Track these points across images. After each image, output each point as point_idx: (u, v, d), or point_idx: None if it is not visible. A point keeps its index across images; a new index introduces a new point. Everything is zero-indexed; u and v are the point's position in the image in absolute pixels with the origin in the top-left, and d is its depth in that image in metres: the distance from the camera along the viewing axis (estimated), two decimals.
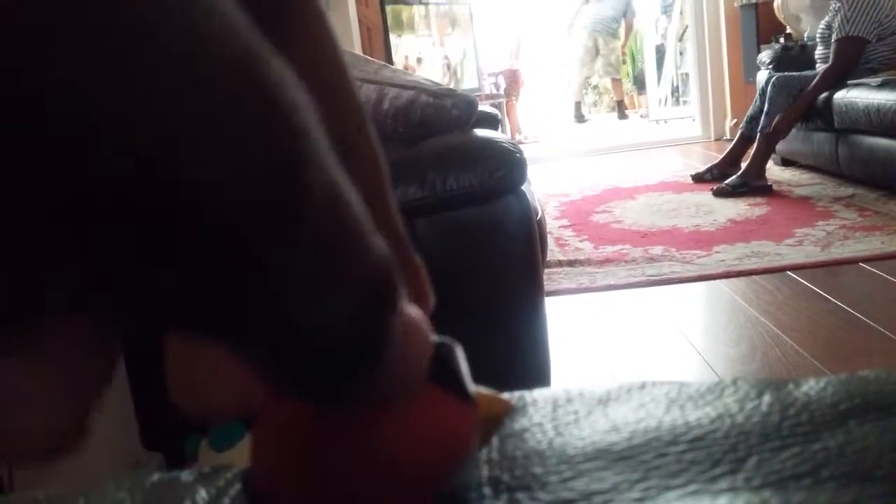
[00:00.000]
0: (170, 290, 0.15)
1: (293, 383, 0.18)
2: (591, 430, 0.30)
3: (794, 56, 4.45)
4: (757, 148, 3.90)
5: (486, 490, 0.27)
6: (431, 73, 4.59)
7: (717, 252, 2.80)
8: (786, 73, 4.06)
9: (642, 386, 0.34)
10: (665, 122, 7.69)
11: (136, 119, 0.13)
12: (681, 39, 7.47)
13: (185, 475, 0.32)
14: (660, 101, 8.06)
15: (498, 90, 6.55)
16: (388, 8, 4.45)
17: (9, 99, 0.12)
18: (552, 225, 3.53)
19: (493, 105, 4.48)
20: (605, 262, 2.85)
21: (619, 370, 1.90)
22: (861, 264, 2.49)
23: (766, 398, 0.31)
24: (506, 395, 0.33)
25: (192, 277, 0.15)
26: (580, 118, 9.17)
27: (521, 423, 0.32)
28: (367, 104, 1.39)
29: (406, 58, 4.54)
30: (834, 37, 3.85)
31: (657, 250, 2.92)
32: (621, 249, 2.99)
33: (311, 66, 0.22)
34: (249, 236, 0.15)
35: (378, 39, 4.64)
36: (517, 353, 1.34)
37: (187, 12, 0.14)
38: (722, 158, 4.24)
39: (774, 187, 3.80)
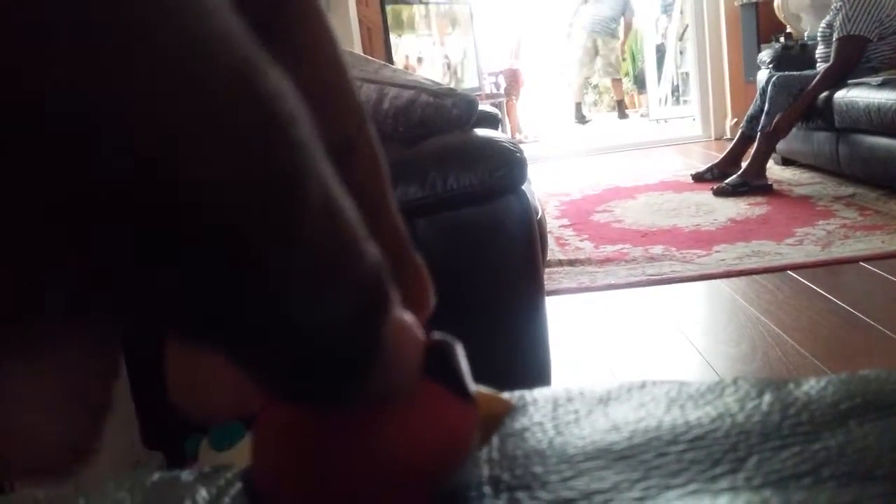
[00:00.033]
0: (170, 290, 0.15)
1: (292, 385, 0.18)
2: (592, 430, 0.30)
3: (794, 55, 4.45)
4: (757, 147, 3.90)
5: (487, 489, 0.27)
6: (432, 72, 4.59)
7: (717, 251, 2.80)
8: (786, 73, 4.06)
9: (643, 385, 0.34)
10: (665, 121, 7.69)
11: (135, 119, 0.13)
12: (681, 39, 7.47)
13: (186, 475, 0.32)
14: (660, 100, 8.06)
15: (498, 90, 6.55)
16: (389, 7, 4.44)
17: (9, 99, 0.12)
18: (552, 224, 3.53)
19: (493, 104, 4.48)
20: (606, 261, 2.85)
21: (620, 369, 1.90)
22: (861, 263, 2.49)
23: (767, 398, 0.31)
24: (506, 395, 0.33)
25: (193, 277, 0.15)
26: (581, 119, 9.15)
27: (521, 422, 0.32)
28: (368, 104, 1.39)
29: (406, 57, 4.53)
30: (835, 36, 3.85)
31: (657, 250, 2.92)
32: (622, 249, 2.99)
33: (310, 65, 0.22)
34: (249, 236, 0.15)
35: (378, 39, 4.64)
36: (517, 353, 1.34)
37: (184, 14, 0.14)
38: (722, 158, 4.24)
39: (775, 187, 3.80)
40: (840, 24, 3.83)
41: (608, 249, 3.01)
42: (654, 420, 0.30)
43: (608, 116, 9.66)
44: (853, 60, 3.78)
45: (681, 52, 7.56)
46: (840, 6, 3.86)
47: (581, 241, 3.20)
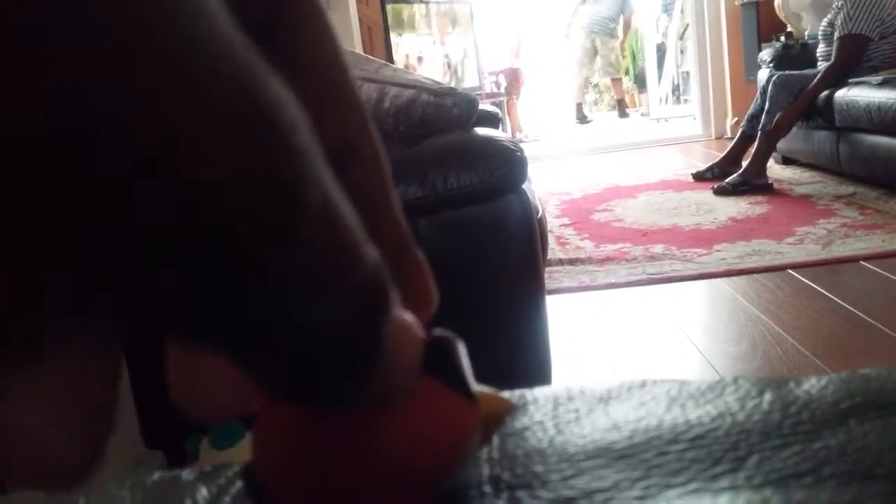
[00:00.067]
0: (170, 290, 0.15)
1: (292, 385, 0.19)
2: (592, 429, 0.30)
3: (794, 54, 4.45)
4: (758, 146, 3.90)
5: (487, 488, 0.27)
6: (432, 71, 4.60)
7: (717, 250, 2.80)
8: (787, 72, 4.06)
9: (643, 384, 0.34)
10: (666, 120, 7.69)
11: (135, 119, 0.13)
12: (682, 38, 7.47)
13: (186, 474, 0.32)
14: (660, 99, 8.06)
15: (499, 89, 6.55)
16: (389, 7, 4.45)
17: (9, 99, 0.12)
18: (553, 223, 3.53)
19: (493, 104, 4.48)
20: (606, 260, 2.85)
21: (620, 368, 1.91)
22: (862, 262, 2.49)
23: (767, 396, 0.31)
24: (506, 394, 0.33)
25: (193, 277, 0.15)
26: (582, 119, 9.15)
27: (521, 421, 0.32)
28: (368, 103, 1.39)
29: (407, 56, 4.54)
30: (836, 34, 3.85)
31: (658, 249, 2.92)
32: (622, 248, 2.99)
33: (311, 64, 0.22)
34: (249, 237, 0.15)
35: (378, 38, 4.64)
36: (518, 352, 1.34)
37: (184, 15, 0.14)
38: (723, 157, 4.24)
39: (775, 186, 3.80)
40: (841, 23, 3.83)
41: (608, 248, 3.01)
42: (655, 419, 0.30)
43: (609, 115, 9.66)
44: (854, 59, 3.78)
45: (681, 51, 7.56)
46: (841, 5, 3.86)
47: (581, 240, 3.20)
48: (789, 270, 2.49)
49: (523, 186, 1.32)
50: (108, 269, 0.14)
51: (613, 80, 9.33)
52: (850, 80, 3.67)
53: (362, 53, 3.90)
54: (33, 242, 0.13)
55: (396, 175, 0.27)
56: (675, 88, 7.84)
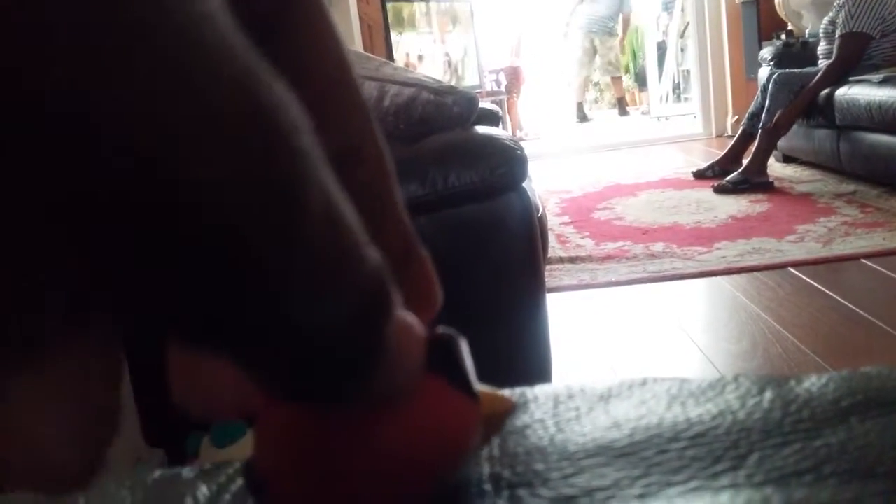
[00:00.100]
0: (170, 290, 0.15)
1: (292, 385, 0.18)
2: (593, 427, 0.30)
3: (795, 53, 4.44)
4: (758, 144, 3.90)
5: (488, 486, 0.27)
6: (432, 70, 4.59)
7: (718, 248, 2.80)
8: (787, 70, 4.06)
9: (643, 382, 0.34)
10: (666, 118, 7.68)
11: (135, 119, 0.13)
12: (682, 36, 7.46)
13: (187, 472, 0.32)
14: (661, 97, 8.05)
15: (499, 87, 6.55)
16: (389, 5, 4.44)
17: (9, 99, 0.12)
18: (553, 222, 3.53)
19: (494, 102, 4.48)
20: (607, 258, 2.85)
21: (621, 367, 1.90)
22: (863, 261, 2.49)
23: (768, 395, 0.31)
24: (507, 392, 0.33)
25: (193, 277, 0.15)
26: (583, 118, 9.13)
27: (522, 419, 0.32)
28: (369, 102, 1.39)
29: (407, 55, 4.53)
30: (838, 32, 3.85)
31: (658, 247, 2.92)
32: (622, 246, 2.99)
33: (314, 63, 0.22)
34: (249, 236, 0.15)
35: (379, 37, 4.64)
36: (518, 350, 1.34)
37: (184, 16, 0.14)
38: (723, 155, 4.24)
39: (776, 184, 3.80)
40: (843, 21, 3.82)
41: (609, 246, 3.01)
42: (655, 417, 0.30)
43: (609, 114, 9.65)
44: (855, 57, 3.77)
45: (682, 50, 7.55)
46: (843, 3, 3.86)
47: (582, 238, 3.20)
48: (790, 268, 2.49)
49: (524, 185, 1.32)
50: (108, 269, 0.14)
51: (613, 78, 9.31)
52: (851, 79, 3.67)
53: (362, 52, 3.90)
54: (34, 242, 0.13)
55: (397, 173, 0.27)
56: (676, 87, 7.83)
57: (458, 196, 1.25)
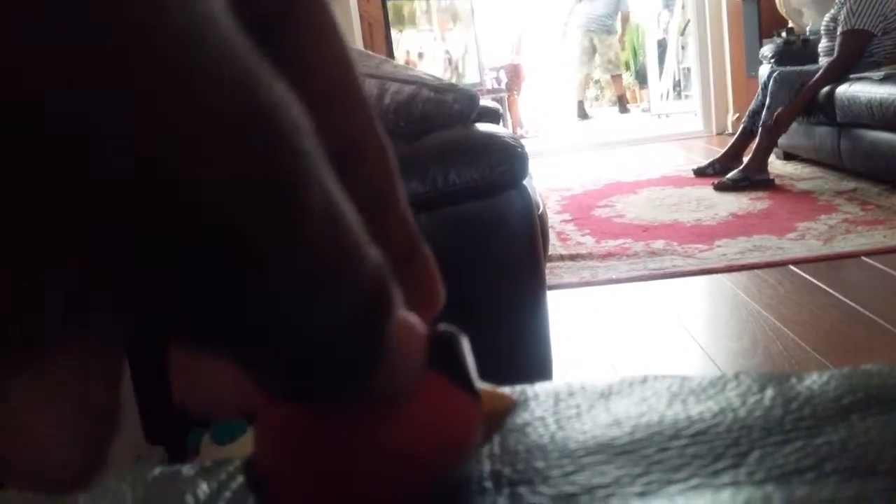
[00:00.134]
0: (170, 290, 0.15)
1: (292, 385, 0.18)
2: (593, 424, 0.30)
3: (796, 50, 4.44)
4: (759, 142, 3.90)
5: (488, 484, 0.27)
6: (433, 67, 4.59)
7: (718, 246, 2.80)
8: (788, 68, 4.06)
9: (644, 380, 0.34)
10: (667, 116, 7.68)
11: (135, 119, 0.13)
12: (683, 34, 7.46)
13: (187, 469, 0.32)
14: (661, 95, 8.05)
15: (499, 85, 6.54)
16: (390, 3, 4.44)
17: (9, 99, 0.12)
18: (554, 219, 3.53)
19: (494, 100, 4.48)
20: (607, 256, 2.85)
21: (621, 364, 1.91)
22: (863, 258, 2.49)
23: (769, 392, 0.31)
24: (507, 389, 0.33)
25: (193, 277, 0.15)
26: (583, 115, 9.13)
27: (522, 417, 0.32)
28: (369, 99, 1.39)
29: (407, 52, 4.53)
30: (839, 30, 3.85)
31: (659, 244, 2.92)
32: (623, 243, 2.99)
33: (316, 62, 0.22)
34: (249, 236, 0.15)
35: (379, 34, 4.64)
36: (519, 347, 1.34)
37: (184, 16, 0.14)
38: (724, 153, 4.24)
39: (776, 181, 3.80)
40: (844, 19, 3.82)
41: (609, 244, 3.01)
42: (656, 415, 0.30)
43: (609, 111, 9.65)
44: (856, 55, 3.77)
45: (682, 47, 7.55)
46: (844, 0, 3.86)
47: (582, 235, 3.20)
48: (790, 266, 2.49)
49: (524, 182, 1.32)
50: (109, 269, 0.14)
51: (613, 76, 9.31)
52: (852, 76, 3.67)
53: (363, 49, 3.90)
54: (33, 242, 0.13)
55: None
56: (676, 84, 7.83)
57: (459, 194, 1.25)
